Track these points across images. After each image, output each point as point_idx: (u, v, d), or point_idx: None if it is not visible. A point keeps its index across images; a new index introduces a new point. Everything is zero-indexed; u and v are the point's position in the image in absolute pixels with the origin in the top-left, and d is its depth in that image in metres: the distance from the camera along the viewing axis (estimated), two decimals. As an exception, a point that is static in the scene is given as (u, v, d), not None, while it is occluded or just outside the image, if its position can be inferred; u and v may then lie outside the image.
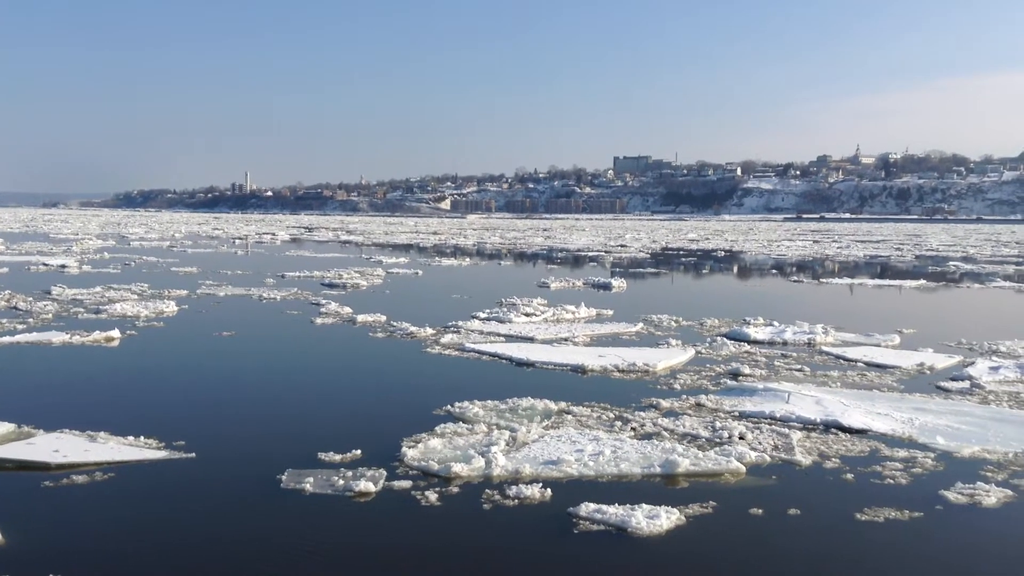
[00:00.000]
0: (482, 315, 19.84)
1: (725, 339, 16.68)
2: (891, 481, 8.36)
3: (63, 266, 33.68)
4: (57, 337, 15.71)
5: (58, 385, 12.32)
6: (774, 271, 42.38)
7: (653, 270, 40.69)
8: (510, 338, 16.79)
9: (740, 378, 13.05)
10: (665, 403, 11.22)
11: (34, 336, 15.79)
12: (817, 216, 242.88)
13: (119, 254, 44.16)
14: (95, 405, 10.87)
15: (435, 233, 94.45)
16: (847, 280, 35.58)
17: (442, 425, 9.83)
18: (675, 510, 7.38)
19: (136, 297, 22.97)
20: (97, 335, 15.96)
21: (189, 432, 9.40)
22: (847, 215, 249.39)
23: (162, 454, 8.70)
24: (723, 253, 57.14)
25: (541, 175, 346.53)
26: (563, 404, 10.89)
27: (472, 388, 11.68)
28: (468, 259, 47.00)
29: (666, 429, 9.88)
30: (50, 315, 18.94)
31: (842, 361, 14.71)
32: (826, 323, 18.41)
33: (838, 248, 64.99)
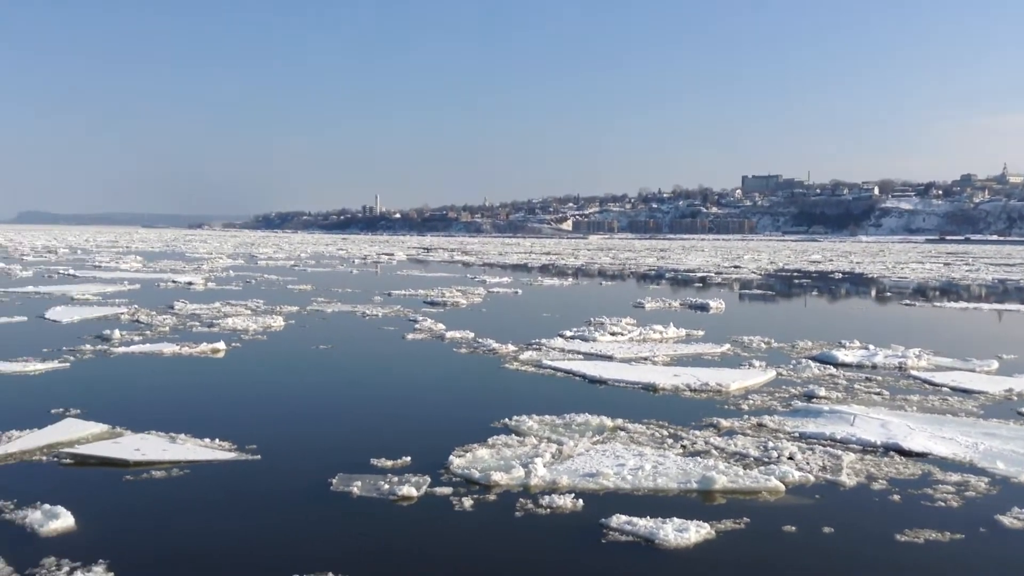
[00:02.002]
0: (568, 333, 20.12)
1: (811, 361, 16.39)
2: (941, 504, 8.17)
3: (190, 283, 35.97)
4: (168, 348, 16.95)
5: (156, 392, 13.37)
6: (889, 294, 40.71)
7: (760, 292, 39.85)
8: (589, 356, 16.99)
9: (813, 400, 12.85)
10: (725, 423, 11.22)
11: (148, 347, 17.08)
12: (962, 238, 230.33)
13: (244, 272, 46.69)
14: (183, 410, 11.76)
15: (548, 253, 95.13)
16: (963, 304, 33.92)
17: (495, 437, 10.19)
18: (706, 524, 7.47)
19: (249, 312, 24.32)
20: (204, 347, 17.12)
21: (260, 436, 10.10)
22: (994, 237, 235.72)
23: (231, 456, 9.40)
24: (841, 275, 55.29)
25: (665, 195, 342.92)
26: (620, 421, 11.06)
27: (534, 403, 12.00)
28: (571, 279, 47.27)
29: (717, 447, 9.91)
30: (167, 328, 20.37)
31: (927, 385, 14.23)
32: (924, 347, 17.78)
33: (967, 271, 61.73)
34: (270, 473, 8.96)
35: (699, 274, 52.56)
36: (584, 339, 19.31)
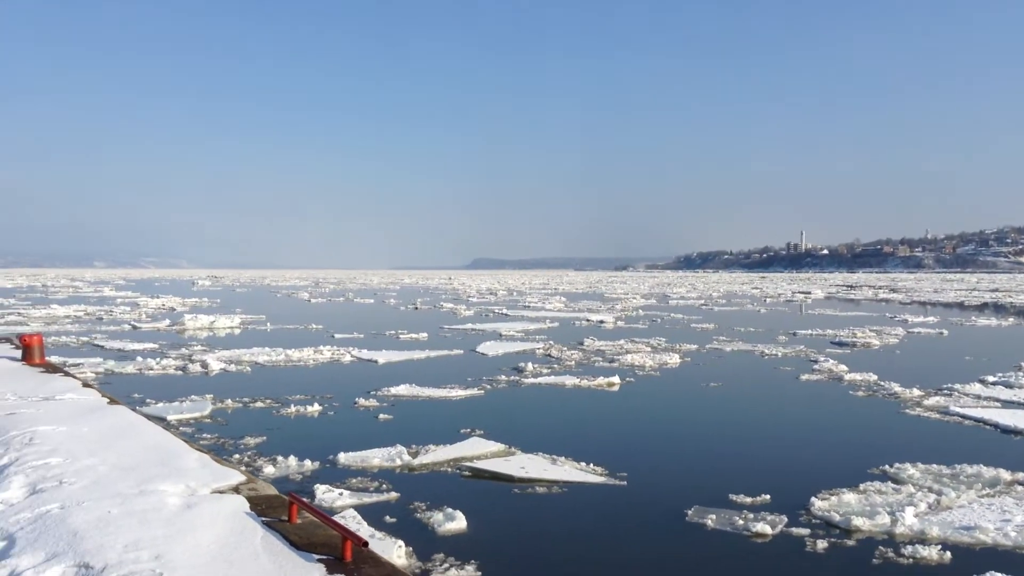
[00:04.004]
0: (990, 379, 18.09)
1: None
2: None
3: (601, 321, 38.37)
4: (570, 381, 18.48)
5: (548, 418, 14.74)
6: None
7: None
8: (1008, 404, 15.12)
9: None
10: None
11: (552, 379, 18.79)
12: None
13: (653, 311, 48.45)
14: (568, 436, 12.84)
15: (995, 290, 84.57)
16: None
17: (867, 483, 9.70)
18: (1104, 596, 6.51)
19: (649, 349, 25.39)
20: (601, 380, 18.38)
21: (630, 464, 10.76)
22: None
23: (601, 479, 10.16)
24: None
25: None
26: (1020, 475, 9.85)
27: (923, 451, 11.16)
28: (1014, 319, 41.58)
29: None
30: (573, 362, 22.14)
31: None
32: None
33: None
34: (633, 499, 9.51)
35: None
36: (1008, 385, 17.19)
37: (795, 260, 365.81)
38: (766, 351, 25.24)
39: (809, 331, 32.58)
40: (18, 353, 19.03)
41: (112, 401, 13.12)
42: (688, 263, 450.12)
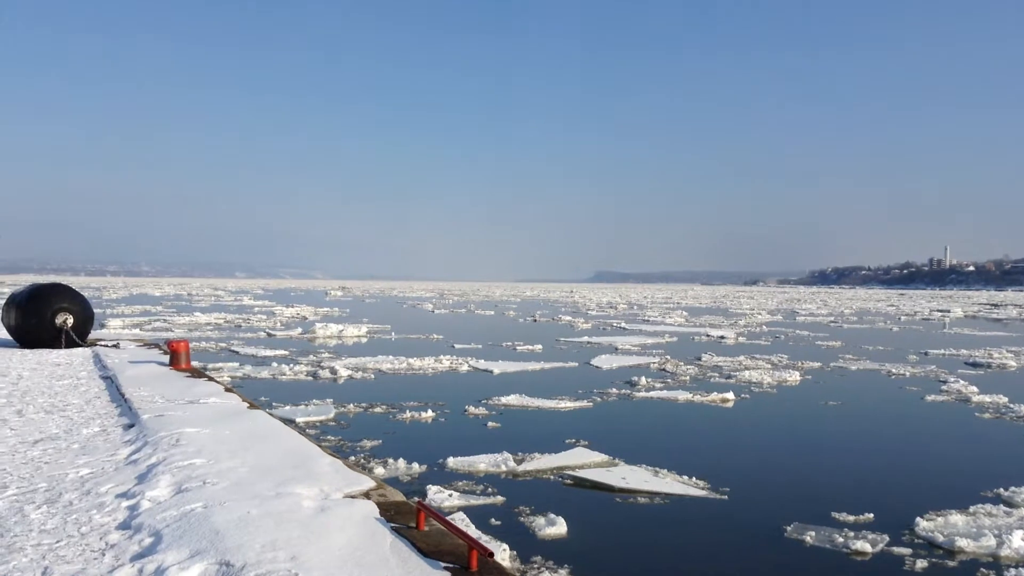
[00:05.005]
0: None
1: None
2: None
3: (722, 337, 37.85)
4: (682, 396, 18.50)
5: (655, 431, 14.86)
6: None
7: None
8: None
9: None
10: None
11: (665, 394, 18.85)
12: None
13: (778, 328, 47.33)
14: (672, 449, 12.98)
15: None
16: None
17: (978, 505, 9.50)
18: None
19: (768, 367, 24.97)
20: (715, 396, 18.33)
21: (734, 479, 10.84)
22: None
23: (702, 493, 10.30)
24: None
25: None
26: None
27: (1045, 475, 10.76)
28: None
29: None
30: (688, 378, 22.09)
31: None
32: None
33: None
34: (733, 513, 9.61)
35: None
36: None
37: (938, 277, 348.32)
38: (893, 370, 24.45)
39: (942, 351, 31.25)
40: (166, 358, 20.59)
41: (252, 405, 14.04)
42: (823, 279, 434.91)
